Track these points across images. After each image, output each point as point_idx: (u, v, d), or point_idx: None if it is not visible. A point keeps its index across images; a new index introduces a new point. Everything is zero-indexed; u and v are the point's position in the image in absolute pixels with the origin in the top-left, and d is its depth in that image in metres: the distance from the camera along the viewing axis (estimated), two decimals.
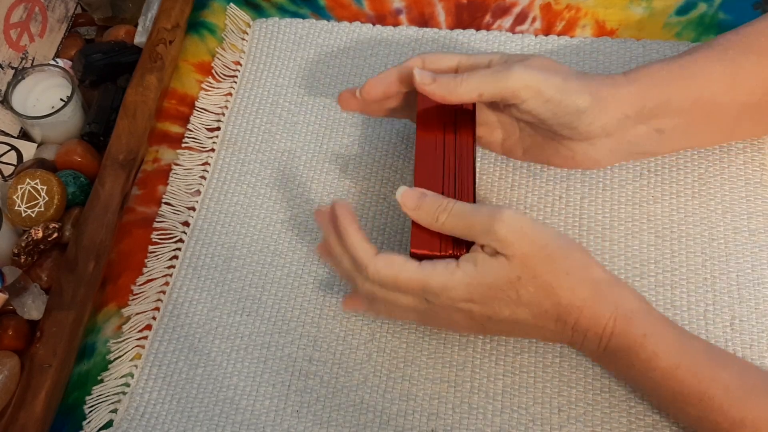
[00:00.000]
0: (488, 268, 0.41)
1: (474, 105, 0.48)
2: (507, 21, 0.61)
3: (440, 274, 0.42)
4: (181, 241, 0.54)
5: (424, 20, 0.62)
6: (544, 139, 0.49)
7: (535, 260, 0.41)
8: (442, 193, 0.45)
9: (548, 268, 0.41)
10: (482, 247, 0.42)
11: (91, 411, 0.48)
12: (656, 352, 0.41)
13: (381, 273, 0.43)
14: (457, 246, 0.44)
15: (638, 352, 0.41)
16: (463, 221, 0.42)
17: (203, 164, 0.57)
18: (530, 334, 0.45)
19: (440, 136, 0.47)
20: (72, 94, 0.56)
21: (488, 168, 0.54)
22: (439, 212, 0.43)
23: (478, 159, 0.54)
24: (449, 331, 0.48)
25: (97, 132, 0.57)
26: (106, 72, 0.60)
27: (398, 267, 0.43)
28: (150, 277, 0.53)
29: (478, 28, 0.61)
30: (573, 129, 0.46)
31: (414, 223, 0.44)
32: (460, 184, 0.45)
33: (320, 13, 0.64)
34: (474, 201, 0.45)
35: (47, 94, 0.57)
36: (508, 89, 0.45)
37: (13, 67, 0.58)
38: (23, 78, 0.57)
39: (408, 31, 0.61)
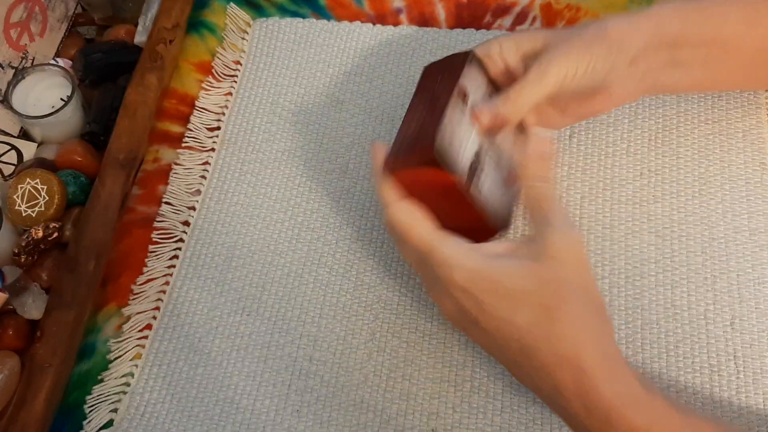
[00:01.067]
0: (507, 265, 0.38)
1: (463, 63, 0.46)
2: (507, 20, 0.61)
3: (451, 249, 0.39)
4: (181, 240, 0.54)
5: (424, 20, 0.62)
6: (580, 95, 0.47)
7: (563, 291, 0.37)
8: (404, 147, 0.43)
9: (568, 307, 0.37)
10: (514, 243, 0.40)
11: (91, 411, 0.48)
12: None
13: (396, 217, 0.42)
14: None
15: None
16: (539, 202, 0.40)
17: (203, 164, 0.57)
18: (505, 360, 0.41)
19: (427, 95, 0.45)
20: (72, 93, 0.56)
21: None
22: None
23: None
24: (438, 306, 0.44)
25: (97, 132, 0.57)
26: (106, 71, 0.60)
27: (414, 220, 0.41)
28: (150, 277, 0.53)
29: (478, 28, 0.61)
30: (606, 79, 0.45)
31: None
32: (422, 132, 0.43)
33: (320, 12, 0.64)
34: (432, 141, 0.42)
35: (47, 93, 0.57)
36: (549, 91, 0.44)
37: (13, 67, 0.58)
38: (23, 77, 0.57)
39: (408, 31, 0.61)
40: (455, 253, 0.39)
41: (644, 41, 0.45)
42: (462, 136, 0.43)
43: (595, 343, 0.37)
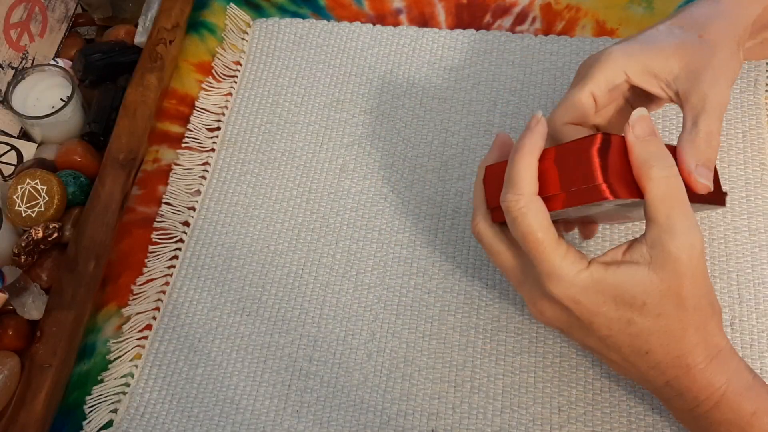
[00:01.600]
0: (628, 274, 0.37)
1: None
2: (507, 21, 0.61)
3: (566, 262, 0.38)
4: (181, 241, 0.54)
5: (424, 20, 0.62)
6: None
7: (676, 299, 0.37)
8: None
9: (685, 314, 0.37)
10: (627, 250, 0.38)
11: (91, 411, 0.48)
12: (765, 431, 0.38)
13: (526, 222, 0.38)
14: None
15: (744, 428, 0.38)
16: (670, 198, 0.37)
17: (203, 164, 0.57)
18: (609, 363, 0.41)
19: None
20: (72, 94, 0.56)
21: None
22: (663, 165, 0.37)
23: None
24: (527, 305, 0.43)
25: (97, 132, 0.57)
26: (106, 72, 0.60)
27: (542, 218, 0.38)
28: (150, 277, 0.53)
29: (478, 28, 0.61)
30: None
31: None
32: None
33: (320, 13, 0.64)
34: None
35: (47, 94, 0.57)
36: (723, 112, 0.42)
37: (13, 67, 0.58)
38: (23, 78, 0.57)
39: (408, 31, 0.61)
40: (572, 267, 0.38)
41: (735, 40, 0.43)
42: None
43: (704, 344, 0.38)
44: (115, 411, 0.48)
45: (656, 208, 0.37)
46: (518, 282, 0.42)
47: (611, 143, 0.37)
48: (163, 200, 0.56)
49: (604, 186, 0.37)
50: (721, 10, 0.44)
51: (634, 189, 0.38)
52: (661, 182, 0.37)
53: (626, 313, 0.38)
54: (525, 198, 0.38)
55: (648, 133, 0.38)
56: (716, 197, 0.41)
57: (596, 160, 0.37)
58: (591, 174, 0.37)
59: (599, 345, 0.40)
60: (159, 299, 0.52)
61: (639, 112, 0.38)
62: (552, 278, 0.38)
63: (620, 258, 0.38)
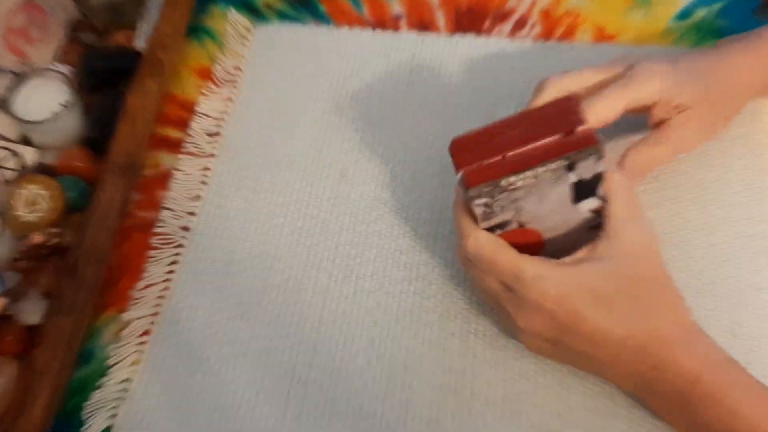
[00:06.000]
0: (592, 269, 0.40)
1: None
2: (506, 26, 0.62)
3: (538, 266, 0.41)
4: (180, 246, 0.54)
5: (423, 25, 0.62)
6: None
7: (645, 281, 0.40)
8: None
9: (654, 293, 0.40)
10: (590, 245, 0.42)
11: (89, 417, 0.48)
12: (741, 402, 0.39)
13: (480, 246, 0.42)
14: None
15: (723, 401, 0.39)
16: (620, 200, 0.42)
17: (203, 169, 0.57)
18: (599, 365, 0.43)
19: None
20: (72, 99, 0.56)
21: None
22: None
23: None
24: (516, 334, 0.44)
25: (97, 137, 0.57)
26: (106, 77, 0.60)
27: (498, 247, 0.41)
28: (149, 282, 0.53)
29: (477, 34, 0.61)
30: None
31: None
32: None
33: (320, 18, 0.64)
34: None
35: (47, 99, 0.57)
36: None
37: (13, 72, 0.58)
38: (24, 83, 0.57)
39: (408, 37, 0.61)
40: (545, 267, 0.40)
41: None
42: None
43: (681, 320, 0.41)
44: (113, 417, 0.48)
45: (613, 204, 0.41)
46: (505, 300, 0.43)
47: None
48: (163, 205, 0.56)
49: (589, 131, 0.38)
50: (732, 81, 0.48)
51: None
52: (615, 179, 0.42)
53: (604, 303, 0.40)
54: (472, 235, 0.42)
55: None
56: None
57: (579, 108, 0.39)
58: (577, 120, 0.38)
59: (587, 344, 0.41)
60: (158, 304, 0.52)
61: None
62: (532, 283, 0.40)
63: (587, 255, 0.41)
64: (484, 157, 0.39)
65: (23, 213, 0.53)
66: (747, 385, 0.40)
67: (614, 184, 0.42)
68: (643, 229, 0.41)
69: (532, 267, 0.41)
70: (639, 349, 0.40)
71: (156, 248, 0.54)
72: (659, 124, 0.48)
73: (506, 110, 0.57)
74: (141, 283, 0.53)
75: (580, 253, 0.42)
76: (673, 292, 0.42)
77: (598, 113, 0.45)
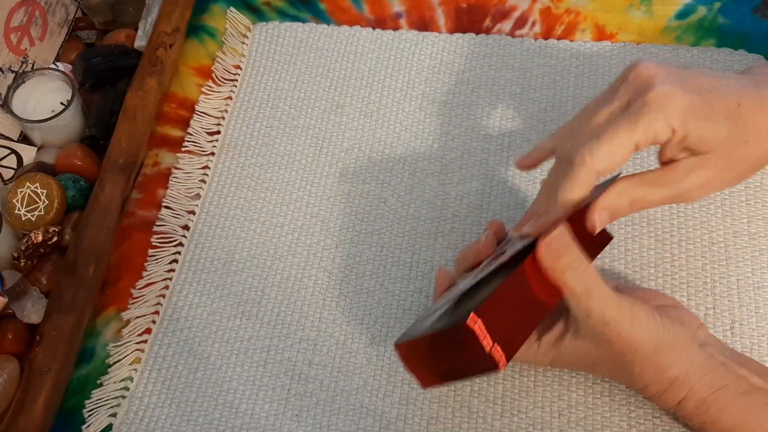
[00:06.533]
0: (570, 348, 0.42)
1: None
2: (507, 25, 0.62)
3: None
4: (180, 244, 0.54)
5: (424, 24, 0.62)
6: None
7: (622, 354, 0.41)
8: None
9: (644, 360, 0.41)
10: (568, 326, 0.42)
11: (90, 415, 0.48)
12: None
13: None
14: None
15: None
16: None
17: (203, 168, 0.57)
18: (607, 369, 0.44)
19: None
20: (72, 97, 0.56)
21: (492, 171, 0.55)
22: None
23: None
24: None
25: (97, 135, 0.57)
26: (106, 76, 0.60)
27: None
28: (150, 281, 0.53)
29: (478, 32, 0.61)
30: None
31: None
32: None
33: (320, 17, 0.64)
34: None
35: (47, 97, 0.57)
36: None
37: (13, 71, 0.58)
38: (23, 82, 0.57)
39: (408, 35, 0.61)
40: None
41: None
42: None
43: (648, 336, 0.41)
44: (114, 415, 0.48)
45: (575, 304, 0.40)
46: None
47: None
48: (163, 204, 0.56)
49: None
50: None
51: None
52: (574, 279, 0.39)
53: (590, 367, 0.44)
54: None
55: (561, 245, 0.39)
56: (604, 238, 0.45)
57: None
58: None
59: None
60: (158, 303, 0.52)
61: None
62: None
63: (557, 336, 0.43)
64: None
65: (23, 212, 0.53)
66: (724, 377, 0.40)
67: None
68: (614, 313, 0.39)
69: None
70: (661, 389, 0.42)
71: (156, 247, 0.54)
72: (667, 162, 0.40)
73: (506, 108, 0.57)
74: (141, 282, 0.53)
75: (555, 334, 0.43)
76: (682, 334, 0.41)
77: (605, 206, 0.40)
